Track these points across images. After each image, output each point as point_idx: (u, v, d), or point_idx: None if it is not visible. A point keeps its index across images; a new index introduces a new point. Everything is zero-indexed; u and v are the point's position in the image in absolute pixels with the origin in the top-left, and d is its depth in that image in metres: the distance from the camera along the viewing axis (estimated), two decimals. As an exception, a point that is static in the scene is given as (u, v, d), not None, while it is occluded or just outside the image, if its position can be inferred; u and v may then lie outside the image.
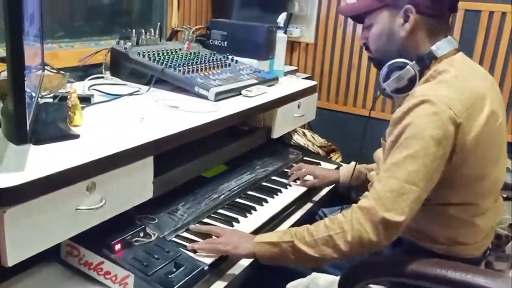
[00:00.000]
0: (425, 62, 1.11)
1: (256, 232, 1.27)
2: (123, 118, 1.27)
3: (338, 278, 1.16)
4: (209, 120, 1.33)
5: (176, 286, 1.00)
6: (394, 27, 1.13)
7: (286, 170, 1.69)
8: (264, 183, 1.57)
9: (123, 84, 1.61)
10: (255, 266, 1.22)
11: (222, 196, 1.41)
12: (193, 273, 1.05)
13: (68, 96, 1.16)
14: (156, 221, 1.21)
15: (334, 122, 2.36)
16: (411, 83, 1.11)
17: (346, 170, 1.56)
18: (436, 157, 0.98)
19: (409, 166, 0.98)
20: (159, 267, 1.04)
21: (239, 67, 1.83)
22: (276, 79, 1.86)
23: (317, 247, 1.02)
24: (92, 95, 1.39)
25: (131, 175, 1.07)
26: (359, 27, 1.39)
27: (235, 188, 1.47)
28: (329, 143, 1.96)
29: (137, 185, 1.11)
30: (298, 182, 1.61)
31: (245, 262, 1.17)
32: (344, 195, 1.75)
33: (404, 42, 1.13)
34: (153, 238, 1.14)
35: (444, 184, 1.03)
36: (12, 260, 0.85)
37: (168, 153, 1.18)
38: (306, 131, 1.92)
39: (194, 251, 1.14)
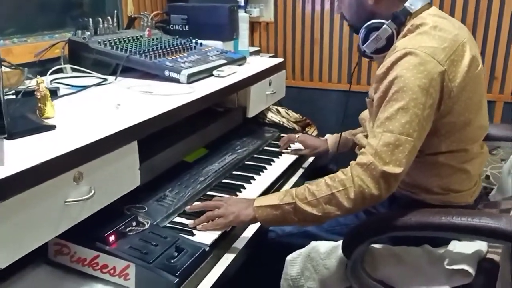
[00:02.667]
0: (401, 19, 1.12)
1: (250, 209, 1.24)
2: (97, 107, 1.21)
3: (338, 243, 1.16)
4: (187, 101, 1.28)
5: (181, 270, 0.96)
6: None
7: (266, 148, 1.67)
8: (247, 162, 1.54)
9: (88, 76, 1.52)
10: (254, 242, 1.20)
11: (208, 178, 1.37)
12: (195, 255, 1.01)
13: (36, 87, 1.07)
14: (146, 209, 1.16)
15: (302, 99, 2.36)
16: (390, 41, 1.12)
17: (333, 139, 1.57)
18: (425, 106, 0.99)
19: (401, 119, 0.99)
20: (160, 254, 0.99)
21: (205, 49, 1.78)
22: (244, 58, 1.83)
23: (320, 206, 1.02)
24: (58, 88, 1.31)
25: (117, 162, 1.02)
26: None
27: (220, 170, 1.43)
28: (304, 118, 1.95)
29: (124, 172, 1.05)
30: (290, 149, 1.64)
31: (244, 239, 1.16)
32: (324, 167, 1.76)
33: (374, 8, 1.15)
34: (147, 226, 1.08)
35: (432, 133, 1.05)
36: (2, 262, 0.78)
37: (149, 140, 1.13)
38: (279, 108, 1.90)
39: (192, 232, 1.10)
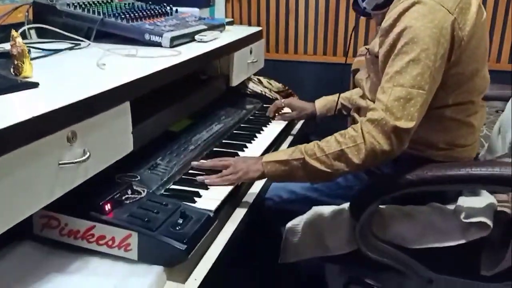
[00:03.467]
0: None
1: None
2: (78, 68, 1.09)
3: (343, 206, 1.12)
4: (175, 63, 1.19)
5: (189, 237, 0.88)
6: None
7: (251, 117, 1.60)
8: (235, 131, 1.47)
9: (57, 41, 1.38)
10: (256, 208, 1.14)
11: (199, 147, 1.29)
12: (201, 221, 0.93)
13: (11, 43, 0.95)
14: (138, 178, 1.06)
15: (279, 72, 2.28)
16: None
17: (322, 102, 1.52)
18: (437, 57, 0.96)
19: (412, 71, 0.95)
20: (163, 221, 0.90)
21: (182, 16, 1.68)
22: (223, 25, 1.74)
23: (329, 162, 0.99)
24: (29, 50, 1.18)
25: (110, 123, 0.92)
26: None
27: (209, 138, 1.35)
28: (286, 87, 1.89)
29: (117, 136, 0.95)
30: (277, 117, 1.59)
31: (246, 204, 1.11)
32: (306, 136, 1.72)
33: None
34: (144, 194, 0.99)
35: (439, 86, 1.02)
36: (-5, 230, 0.68)
37: (133, 108, 1.03)
38: (261, 78, 1.83)
39: (194, 199, 1.02)
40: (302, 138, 1.64)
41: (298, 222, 1.17)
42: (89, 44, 1.35)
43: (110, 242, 0.89)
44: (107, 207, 0.91)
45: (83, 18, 1.41)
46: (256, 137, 1.43)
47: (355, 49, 2.27)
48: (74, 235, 0.91)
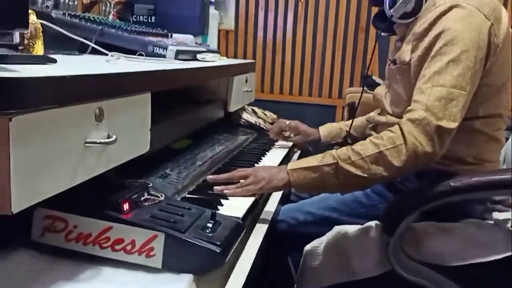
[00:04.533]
0: None
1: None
2: (89, 61, 0.99)
3: (368, 224, 1.04)
4: (186, 67, 1.12)
5: (222, 241, 0.76)
6: None
7: (251, 143, 1.52)
8: (238, 153, 1.38)
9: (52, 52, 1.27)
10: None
11: (206, 163, 1.18)
12: (232, 227, 0.82)
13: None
14: (151, 185, 0.94)
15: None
16: (419, 4, 1.07)
17: (327, 129, 1.47)
18: (476, 60, 0.95)
19: (453, 71, 0.93)
20: (190, 224, 0.78)
21: (179, 40, 1.62)
22: (218, 52, 1.70)
23: (365, 166, 0.92)
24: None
25: (134, 110, 0.82)
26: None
27: (214, 156, 1.25)
28: (280, 119, 1.84)
29: (139, 127, 0.85)
30: (280, 141, 1.54)
31: (269, 213, 1.01)
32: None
33: None
34: (162, 198, 0.87)
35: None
36: (16, 206, 0.54)
37: None
38: (255, 108, 1.77)
39: (217, 206, 0.91)
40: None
41: (318, 244, 1.07)
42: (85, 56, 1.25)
43: (129, 247, 0.75)
44: (126, 206, 0.78)
45: (82, 27, 1.32)
46: (264, 156, 1.34)
47: (340, 91, 2.30)
48: (83, 240, 0.76)
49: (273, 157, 1.39)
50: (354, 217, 1.12)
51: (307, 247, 1.07)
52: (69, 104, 0.62)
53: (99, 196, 0.79)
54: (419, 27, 1.00)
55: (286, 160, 1.45)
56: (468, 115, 1.03)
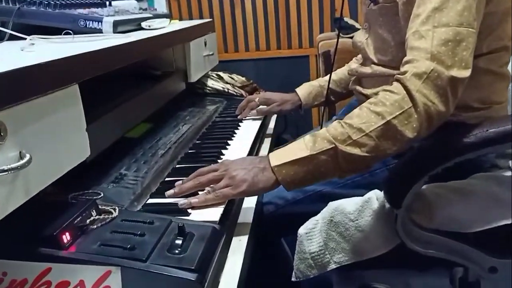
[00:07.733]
0: None
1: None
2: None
3: (369, 195, 0.89)
4: (126, 41, 0.92)
5: (197, 261, 0.60)
6: None
7: (217, 119, 1.33)
8: (206, 131, 1.20)
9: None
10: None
11: (170, 150, 1.01)
12: (207, 237, 0.65)
13: None
14: (101, 195, 0.76)
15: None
16: None
17: (306, 89, 1.28)
18: None
19: (456, 5, 0.75)
20: (154, 245, 0.61)
21: (120, 7, 1.39)
22: (169, 15, 1.48)
23: (373, 143, 0.74)
24: None
25: (55, 113, 0.62)
26: None
27: (180, 140, 1.07)
28: (251, 81, 1.65)
29: (67, 132, 0.66)
30: (251, 112, 1.31)
31: (249, 210, 0.85)
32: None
33: None
34: (116, 213, 0.69)
35: None
36: None
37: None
38: (221, 73, 1.58)
39: (186, 211, 0.74)
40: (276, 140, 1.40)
41: (313, 225, 0.91)
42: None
43: (77, 290, 0.58)
44: (66, 237, 0.61)
45: (-6, 9, 1.09)
46: (235, 133, 1.17)
47: (311, 39, 2.10)
48: (18, 289, 0.59)
49: (248, 129, 1.21)
50: (350, 187, 0.96)
51: (301, 229, 0.92)
52: None
53: (31, 228, 0.61)
54: None
55: (263, 130, 1.27)
56: (471, 54, 0.87)
